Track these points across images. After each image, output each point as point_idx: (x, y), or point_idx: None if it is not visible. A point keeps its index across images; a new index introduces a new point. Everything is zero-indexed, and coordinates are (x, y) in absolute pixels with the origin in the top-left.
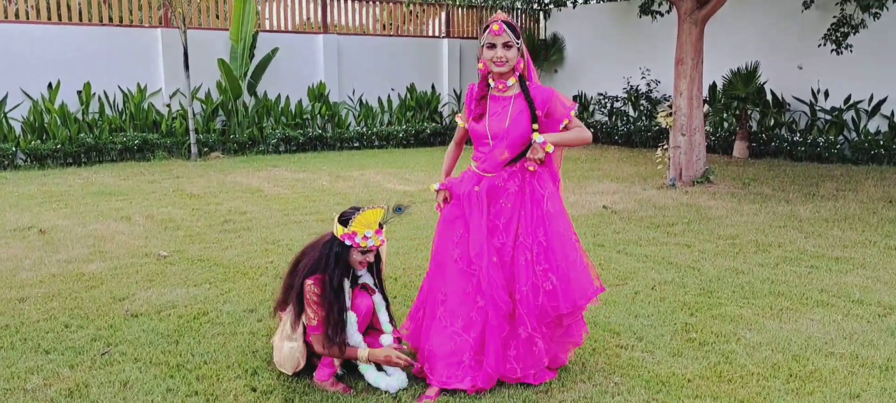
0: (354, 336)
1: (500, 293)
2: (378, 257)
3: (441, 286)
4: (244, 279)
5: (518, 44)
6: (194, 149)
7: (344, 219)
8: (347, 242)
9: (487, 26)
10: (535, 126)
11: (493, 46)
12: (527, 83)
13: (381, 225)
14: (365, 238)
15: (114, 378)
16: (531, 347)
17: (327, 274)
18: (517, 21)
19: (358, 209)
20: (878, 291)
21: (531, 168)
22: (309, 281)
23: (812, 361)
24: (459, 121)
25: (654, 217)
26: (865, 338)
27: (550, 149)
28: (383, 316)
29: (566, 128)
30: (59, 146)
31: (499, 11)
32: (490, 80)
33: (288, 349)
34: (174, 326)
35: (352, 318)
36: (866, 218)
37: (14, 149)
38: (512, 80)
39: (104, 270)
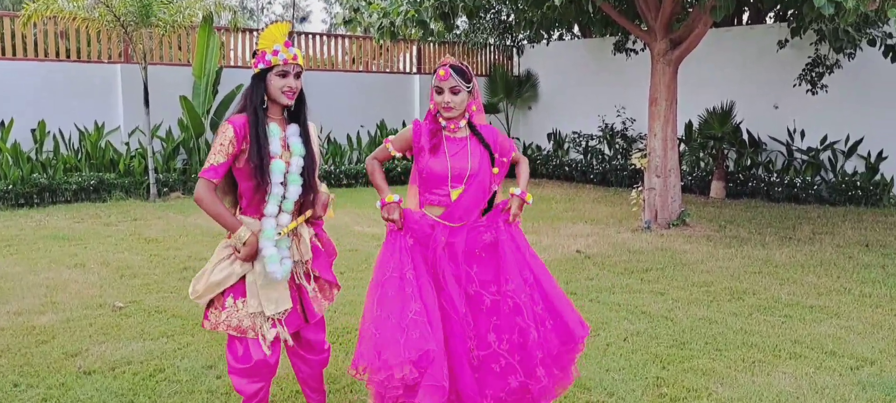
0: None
1: (466, 346)
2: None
3: (395, 325)
4: (202, 332)
5: (468, 88)
6: (153, 189)
7: (253, 53)
8: (260, 65)
9: (436, 69)
10: (496, 170)
11: (440, 91)
12: (474, 125)
13: (290, 38)
14: (275, 53)
15: None
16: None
17: (249, 113)
18: (490, 57)
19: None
20: (851, 342)
21: (519, 220)
22: (226, 123)
23: None
24: (390, 146)
25: (628, 262)
26: (837, 393)
27: (530, 198)
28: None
29: (514, 162)
30: (10, 186)
31: (447, 57)
32: (440, 120)
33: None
34: (129, 384)
35: (279, 166)
36: (842, 263)
37: None
38: (462, 122)
39: (56, 323)
